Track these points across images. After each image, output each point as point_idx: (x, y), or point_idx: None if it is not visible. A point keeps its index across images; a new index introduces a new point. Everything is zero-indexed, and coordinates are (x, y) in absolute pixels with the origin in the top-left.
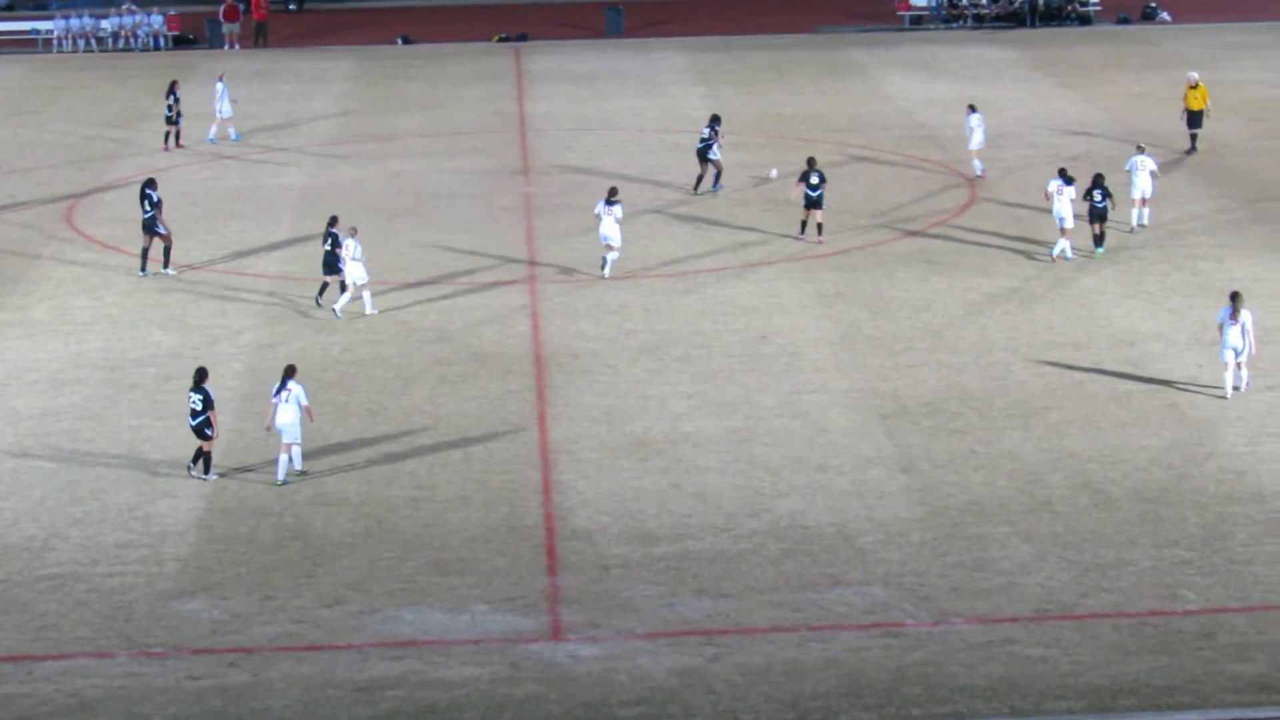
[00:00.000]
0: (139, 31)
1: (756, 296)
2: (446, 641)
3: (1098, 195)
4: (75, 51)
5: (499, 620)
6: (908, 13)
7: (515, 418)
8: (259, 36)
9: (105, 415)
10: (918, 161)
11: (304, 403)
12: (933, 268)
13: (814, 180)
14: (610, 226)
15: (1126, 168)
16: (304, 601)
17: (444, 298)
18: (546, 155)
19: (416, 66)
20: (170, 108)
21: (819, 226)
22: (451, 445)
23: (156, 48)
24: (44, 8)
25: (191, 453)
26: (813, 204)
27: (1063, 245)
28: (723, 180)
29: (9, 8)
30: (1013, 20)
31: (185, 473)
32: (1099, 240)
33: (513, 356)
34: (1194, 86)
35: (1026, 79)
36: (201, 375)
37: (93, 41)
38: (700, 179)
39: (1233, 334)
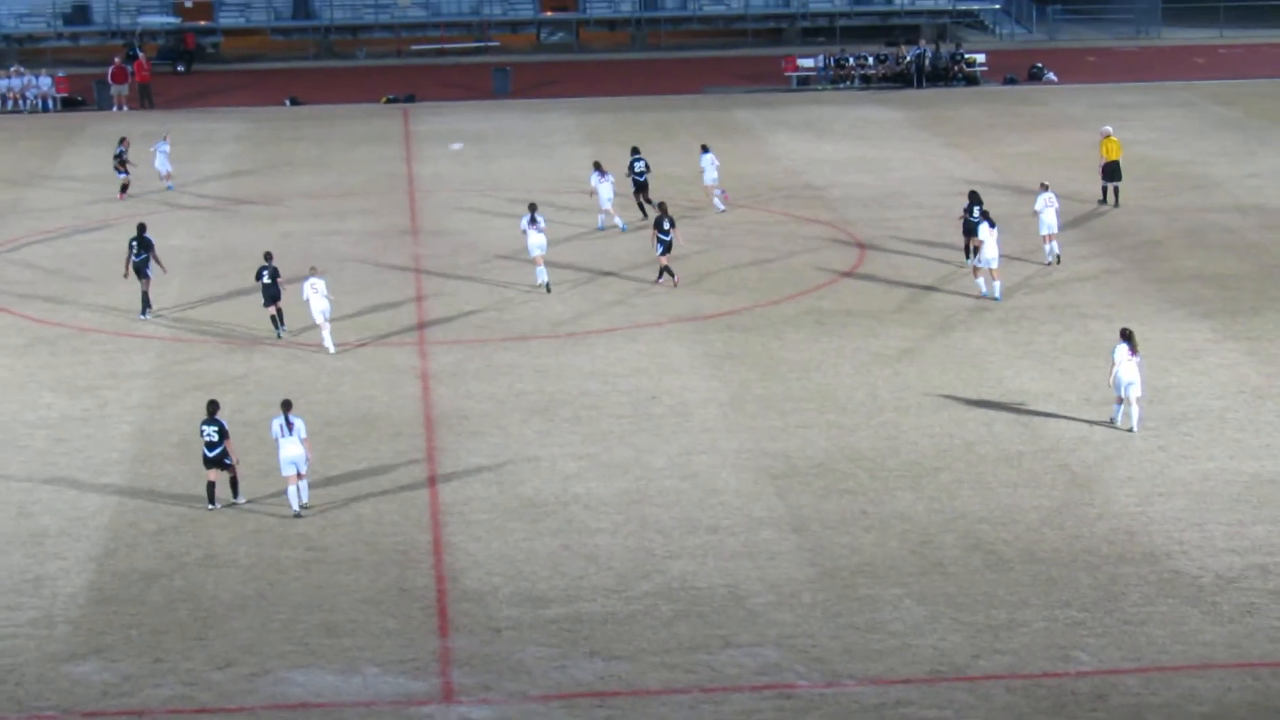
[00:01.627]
0: (27, 93)
1: (646, 357)
2: (338, 704)
3: (975, 212)
4: None
5: (390, 682)
6: (795, 74)
7: (405, 479)
8: (144, 98)
9: None
10: (806, 222)
11: (303, 436)
12: (822, 328)
13: (665, 225)
14: (538, 238)
15: (1035, 208)
16: (195, 664)
17: (334, 359)
18: (435, 216)
19: (305, 128)
20: (119, 157)
21: (669, 270)
22: (342, 507)
23: (45, 109)
24: None
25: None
26: (668, 249)
27: (987, 284)
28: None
29: None
30: (900, 81)
31: (211, 508)
32: (970, 253)
33: (402, 418)
34: (1108, 137)
35: (914, 139)
36: (214, 407)
37: None
38: (644, 206)
39: (1128, 370)
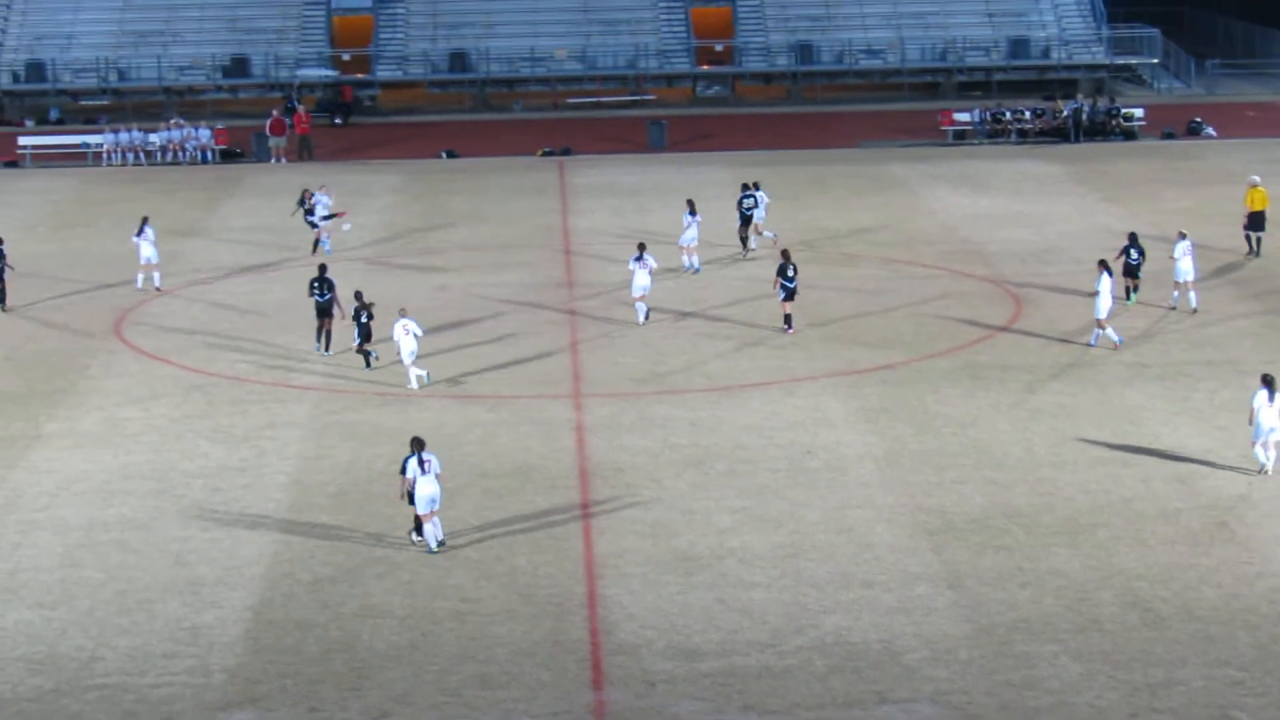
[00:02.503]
0: (187, 145)
1: (801, 411)
2: None
3: (1134, 254)
4: (124, 165)
5: None
6: (951, 128)
7: (560, 531)
8: (303, 150)
9: (153, 526)
10: (961, 276)
11: (438, 472)
12: (978, 383)
13: (790, 273)
14: (644, 278)
15: (1173, 255)
16: (350, 714)
17: (489, 411)
18: (590, 269)
19: (461, 180)
20: (308, 211)
21: (789, 317)
22: (496, 558)
23: (204, 161)
24: (94, 122)
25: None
26: (791, 295)
27: (1100, 333)
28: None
29: (60, 121)
30: (1057, 135)
31: (408, 542)
32: (1130, 292)
33: (557, 470)
34: (1254, 187)
35: (1071, 194)
36: (420, 444)
37: (141, 155)
38: (746, 241)
39: (1269, 415)
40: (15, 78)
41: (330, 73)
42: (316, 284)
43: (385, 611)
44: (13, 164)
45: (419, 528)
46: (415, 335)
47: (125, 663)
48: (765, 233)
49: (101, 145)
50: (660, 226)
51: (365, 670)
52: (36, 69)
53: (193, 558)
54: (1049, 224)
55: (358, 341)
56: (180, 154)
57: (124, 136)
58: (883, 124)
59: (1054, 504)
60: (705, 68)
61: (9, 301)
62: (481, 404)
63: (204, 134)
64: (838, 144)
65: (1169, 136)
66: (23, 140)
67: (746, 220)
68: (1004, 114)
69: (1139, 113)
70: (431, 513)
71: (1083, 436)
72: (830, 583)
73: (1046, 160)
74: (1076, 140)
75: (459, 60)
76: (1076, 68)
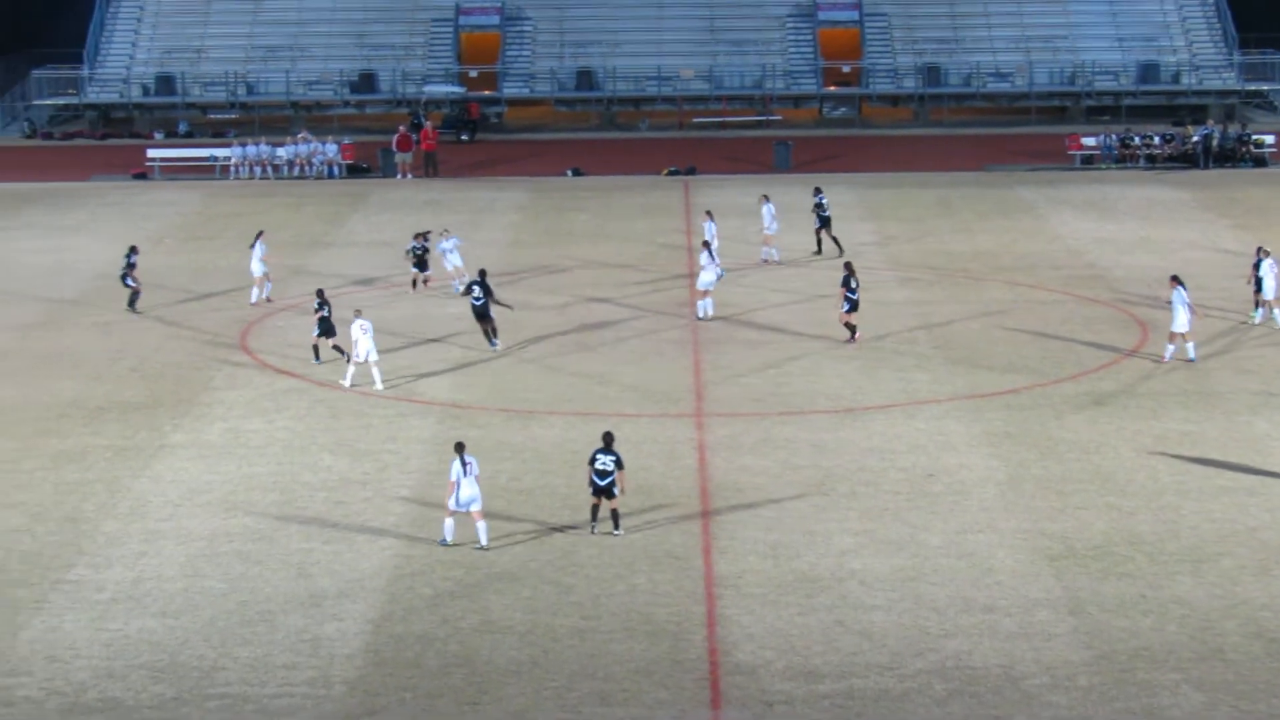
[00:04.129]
0: (314, 160)
1: (924, 434)
2: None
3: (1262, 267)
4: (251, 179)
5: None
6: (1079, 152)
7: (680, 551)
8: (429, 167)
9: (275, 538)
10: (1087, 302)
11: (477, 473)
12: (1102, 409)
13: (853, 284)
14: (708, 275)
15: (1259, 274)
16: None
17: (610, 429)
18: (713, 289)
19: (585, 198)
20: (422, 252)
21: (853, 328)
22: (617, 576)
23: (330, 176)
24: (222, 135)
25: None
26: (855, 307)
27: (1172, 349)
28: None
29: (188, 135)
30: (1186, 161)
31: (588, 532)
32: (1259, 305)
33: (678, 489)
34: None
35: (1199, 220)
36: (610, 438)
37: (269, 169)
38: (837, 241)
39: None
40: (145, 91)
41: (457, 89)
42: (477, 285)
43: (505, 627)
44: (141, 176)
45: (611, 518)
46: (372, 337)
47: (246, 673)
48: (772, 251)
49: (229, 159)
50: (784, 247)
51: (484, 685)
52: (166, 82)
53: (315, 570)
54: (1176, 250)
55: (317, 332)
56: (307, 168)
57: (251, 150)
58: (1009, 148)
59: (1178, 531)
60: (832, 89)
61: (138, 306)
62: (604, 422)
63: (331, 149)
64: (964, 167)
65: None
66: (151, 153)
67: (826, 222)
68: (1133, 139)
69: (1270, 139)
70: (472, 512)
71: (1208, 464)
72: (950, 607)
73: (1175, 186)
74: (1206, 166)
75: (585, 78)
76: (1207, 93)
